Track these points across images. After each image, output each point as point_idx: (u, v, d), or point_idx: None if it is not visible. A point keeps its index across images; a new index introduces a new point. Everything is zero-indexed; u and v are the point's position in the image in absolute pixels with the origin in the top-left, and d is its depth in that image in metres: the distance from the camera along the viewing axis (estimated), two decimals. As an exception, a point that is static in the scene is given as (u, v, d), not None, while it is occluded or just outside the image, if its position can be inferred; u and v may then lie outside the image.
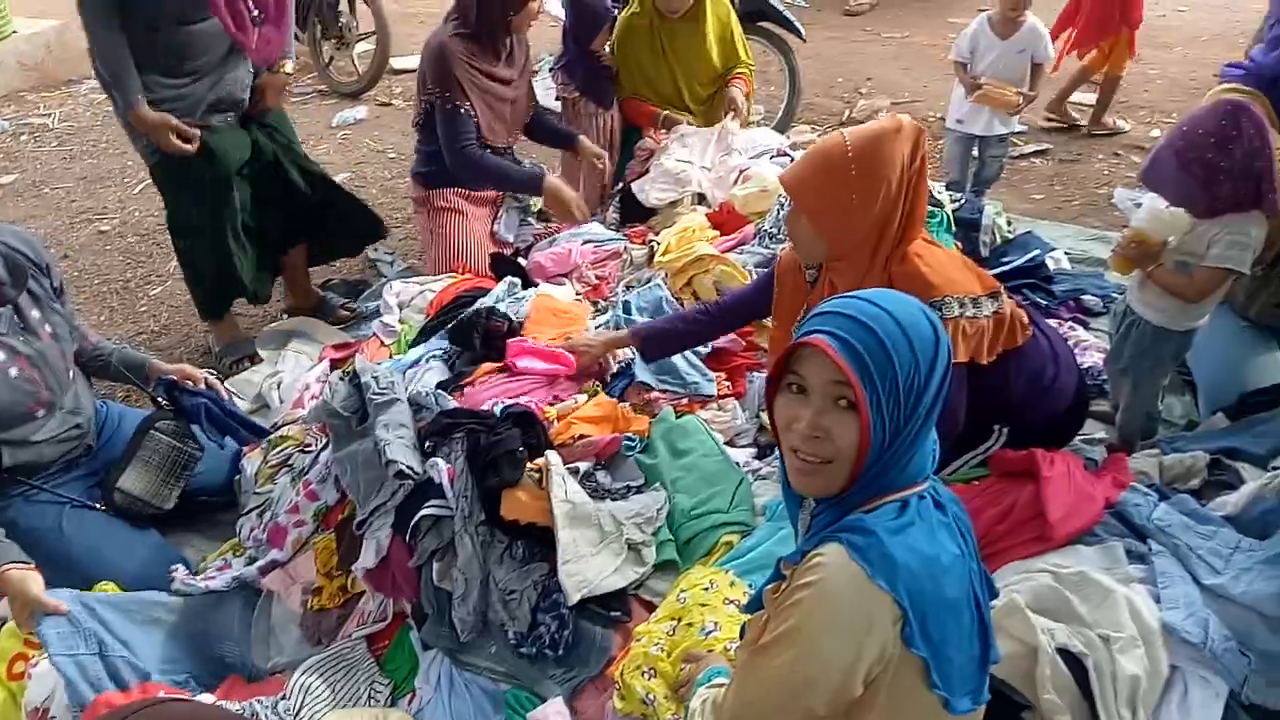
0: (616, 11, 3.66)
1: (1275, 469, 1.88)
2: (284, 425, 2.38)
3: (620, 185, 3.57)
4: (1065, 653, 1.55)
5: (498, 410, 2.11)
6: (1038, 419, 2.04)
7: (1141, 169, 2.13)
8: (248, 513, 2.14)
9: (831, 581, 1.08)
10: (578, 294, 2.93)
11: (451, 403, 2.16)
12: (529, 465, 1.94)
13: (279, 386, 2.71)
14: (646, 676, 1.62)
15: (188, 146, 2.66)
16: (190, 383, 2.29)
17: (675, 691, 1.58)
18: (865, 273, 1.82)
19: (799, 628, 1.09)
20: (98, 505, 2.15)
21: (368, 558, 1.93)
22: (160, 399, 2.30)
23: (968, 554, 1.17)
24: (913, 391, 1.11)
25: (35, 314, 2.07)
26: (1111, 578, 1.68)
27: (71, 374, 2.16)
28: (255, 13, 2.76)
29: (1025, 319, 1.94)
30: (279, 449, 2.28)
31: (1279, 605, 1.57)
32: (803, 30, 4.43)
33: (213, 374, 2.37)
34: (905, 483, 1.15)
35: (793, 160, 3.37)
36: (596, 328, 2.63)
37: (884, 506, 1.13)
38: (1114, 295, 2.92)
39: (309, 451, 2.20)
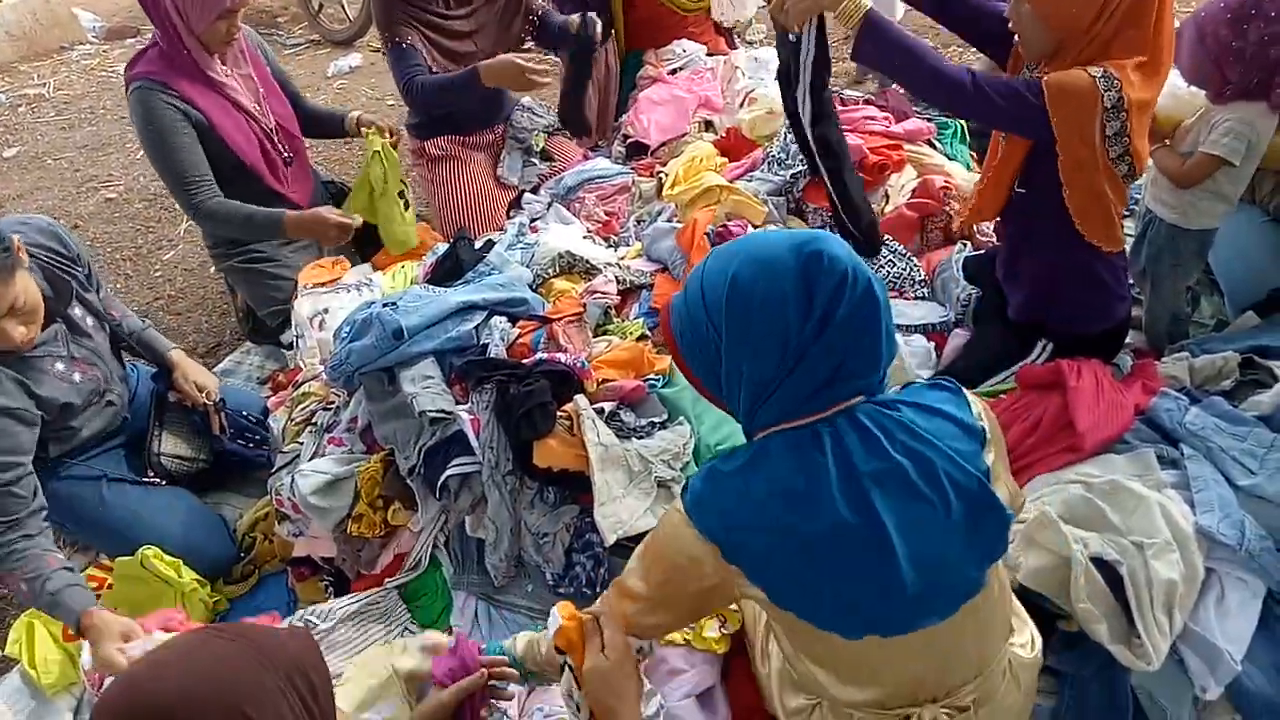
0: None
1: (1309, 366, 1.85)
2: (305, 382, 2.39)
3: (624, 117, 3.49)
4: (1099, 561, 1.55)
5: (538, 357, 2.09)
6: (1095, 329, 2.02)
7: None
8: (277, 470, 2.16)
9: (665, 520, 1.21)
10: (587, 232, 2.89)
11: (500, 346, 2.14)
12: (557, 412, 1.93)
13: (321, 325, 2.55)
14: None
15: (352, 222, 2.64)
16: (189, 403, 2.32)
17: None
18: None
19: (645, 549, 1.25)
20: (145, 478, 2.21)
21: (426, 511, 1.97)
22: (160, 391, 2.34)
23: (886, 471, 1.10)
24: (708, 345, 1.14)
25: (78, 311, 2.09)
26: (1144, 484, 1.67)
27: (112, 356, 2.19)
28: (287, 155, 2.78)
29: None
30: (302, 405, 2.29)
31: (1315, 503, 1.55)
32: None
33: (219, 398, 2.38)
34: (800, 414, 1.12)
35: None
36: (610, 264, 2.59)
37: (754, 444, 1.16)
38: (1135, 198, 2.86)
39: (331, 407, 2.21)
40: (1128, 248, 2.41)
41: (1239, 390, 1.92)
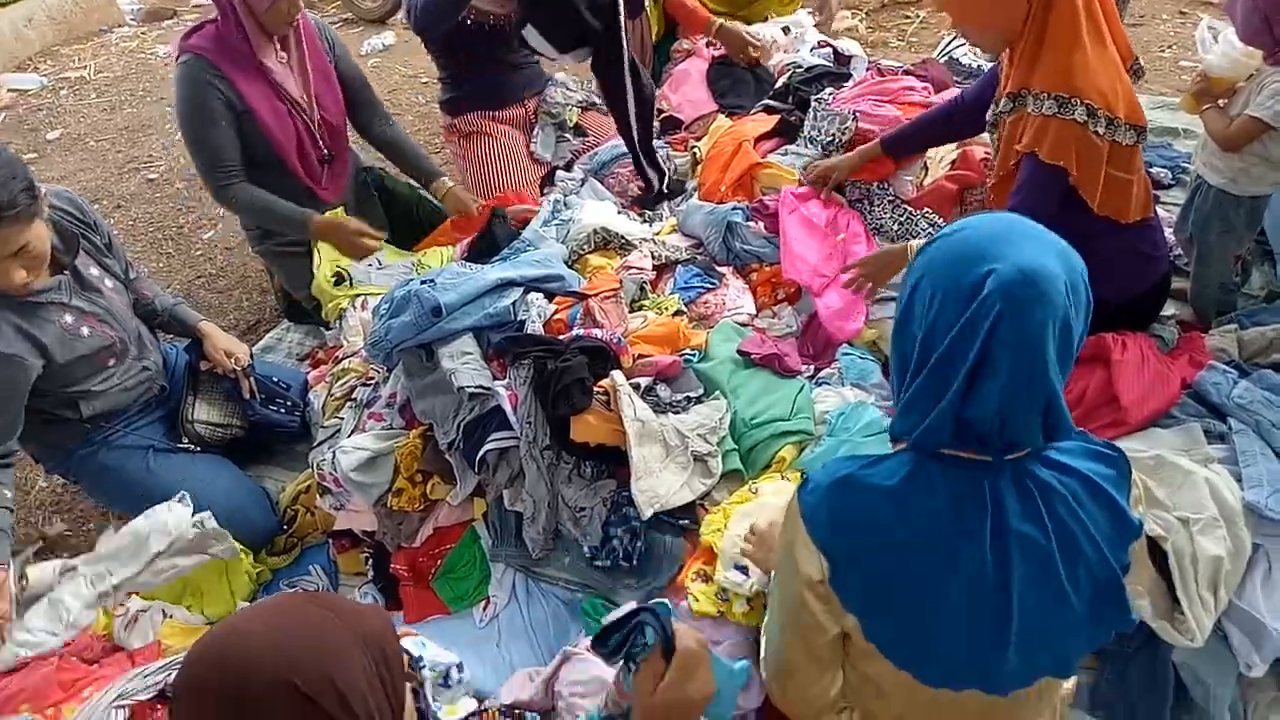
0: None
1: (1364, 338, 1.80)
2: (345, 358, 2.42)
3: (658, 92, 3.46)
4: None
5: (575, 333, 2.10)
6: (1131, 292, 2.00)
7: None
8: (318, 445, 2.20)
9: (785, 514, 1.14)
10: (621, 208, 2.88)
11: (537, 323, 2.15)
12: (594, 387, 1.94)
13: (364, 305, 2.56)
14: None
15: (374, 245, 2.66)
16: (219, 369, 2.35)
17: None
18: (1026, 55, 1.81)
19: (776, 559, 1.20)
20: (182, 444, 2.25)
21: (465, 486, 1.99)
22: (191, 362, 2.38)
23: (1033, 541, 1.03)
24: (911, 336, 1.05)
25: (94, 271, 2.12)
26: (1190, 459, 1.65)
27: (135, 322, 2.22)
28: (326, 152, 2.76)
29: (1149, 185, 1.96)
30: (342, 381, 2.32)
31: (1368, 477, 1.52)
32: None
33: (247, 363, 2.39)
34: (966, 444, 1.04)
35: (835, 50, 3.25)
36: (646, 240, 2.58)
37: (909, 458, 1.07)
38: (1184, 165, 2.79)
39: (370, 383, 2.24)
40: (1168, 213, 2.37)
41: (1291, 363, 1.88)
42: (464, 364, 2.00)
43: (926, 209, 2.51)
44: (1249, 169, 2.00)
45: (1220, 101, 2.05)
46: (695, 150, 3.02)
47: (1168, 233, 2.41)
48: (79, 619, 1.85)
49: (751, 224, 2.54)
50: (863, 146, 2.49)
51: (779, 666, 1.24)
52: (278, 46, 2.58)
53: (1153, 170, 2.78)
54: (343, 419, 2.21)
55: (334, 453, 2.05)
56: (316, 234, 2.63)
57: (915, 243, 2.07)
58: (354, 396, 2.26)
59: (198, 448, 2.27)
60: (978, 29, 1.86)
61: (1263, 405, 1.71)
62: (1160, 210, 2.58)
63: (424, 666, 1.45)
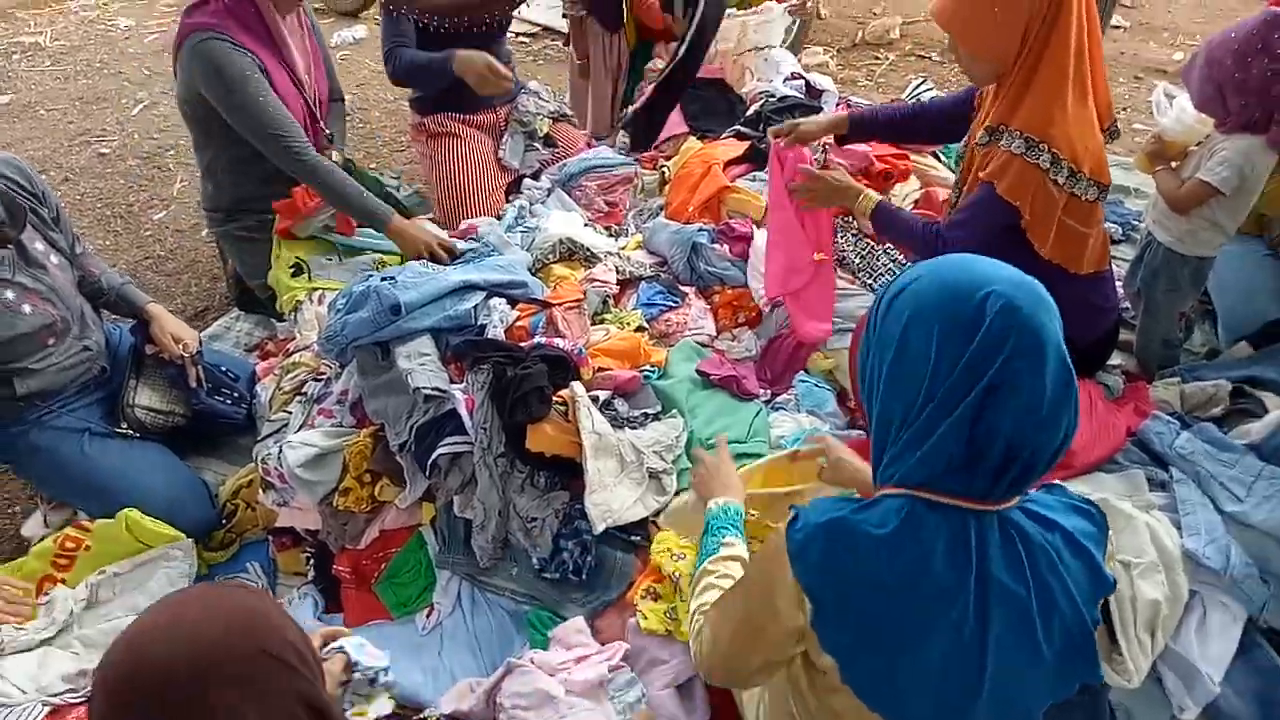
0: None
1: (1299, 398, 1.88)
2: (297, 351, 2.36)
3: (630, 110, 3.48)
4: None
5: (536, 340, 2.08)
6: (1081, 341, 2.03)
7: (1183, 65, 2.09)
8: (263, 438, 2.14)
9: (769, 546, 1.12)
10: (588, 221, 2.88)
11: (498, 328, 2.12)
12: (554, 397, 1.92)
13: (320, 299, 2.50)
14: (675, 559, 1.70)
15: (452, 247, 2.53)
16: (165, 354, 2.27)
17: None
18: (1012, 93, 1.85)
19: (747, 577, 1.19)
20: (120, 429, 2.16)
21: (415, 489, 1.95)
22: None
23: (1013, 593, 1.03)
24: (874, 376, 1.07)
25: (39, 246, 2.04)
26: (1133, 504, 1.69)
27: (79, 299, 2.14)
28: (328, 133, 2.73)
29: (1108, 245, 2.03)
30: (292, 374, 2.27)
31: (1300, 532, 1.58)
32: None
33: (196, 350, 2.31)
34: (954, 489, 1.02)
35: (807, 83, 3.30)
36: (611, 254, 2.57)
37: (902, 505, 1.04)
38: (1134, 222, 2.89)
39: (322, 379, 2.19)
40: (1118, 267, 2.45)
41: (1229, 418, 1.95)
42: (421, 365, 1.97)
43: (888, 246, 2.55)
44: (1196, 231, 2.07)
45: (1173, 163, 2.13)
46: (664, 169, 3.04)
47: (1118, 285, 2.49)
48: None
49: (717, 246, 2.56)
50: (834, 114, 2.50)
51: (713, 655, 1.23)
52: (289, 22, 2.52)
53: (1105, 225, 2.88)
54: (291, 413, 2.15)
55: (281, 447, 1.99)
56: (398, 235, 2.49)
57: (870, 195, 2.10)
58: (304, 391, 2.21)
59: (137, 434, 2.18)
60: (972, 54, 1.88)
61: (1203, 457, 1.77)
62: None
63: (360, 670, 1.42)
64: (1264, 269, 2.35)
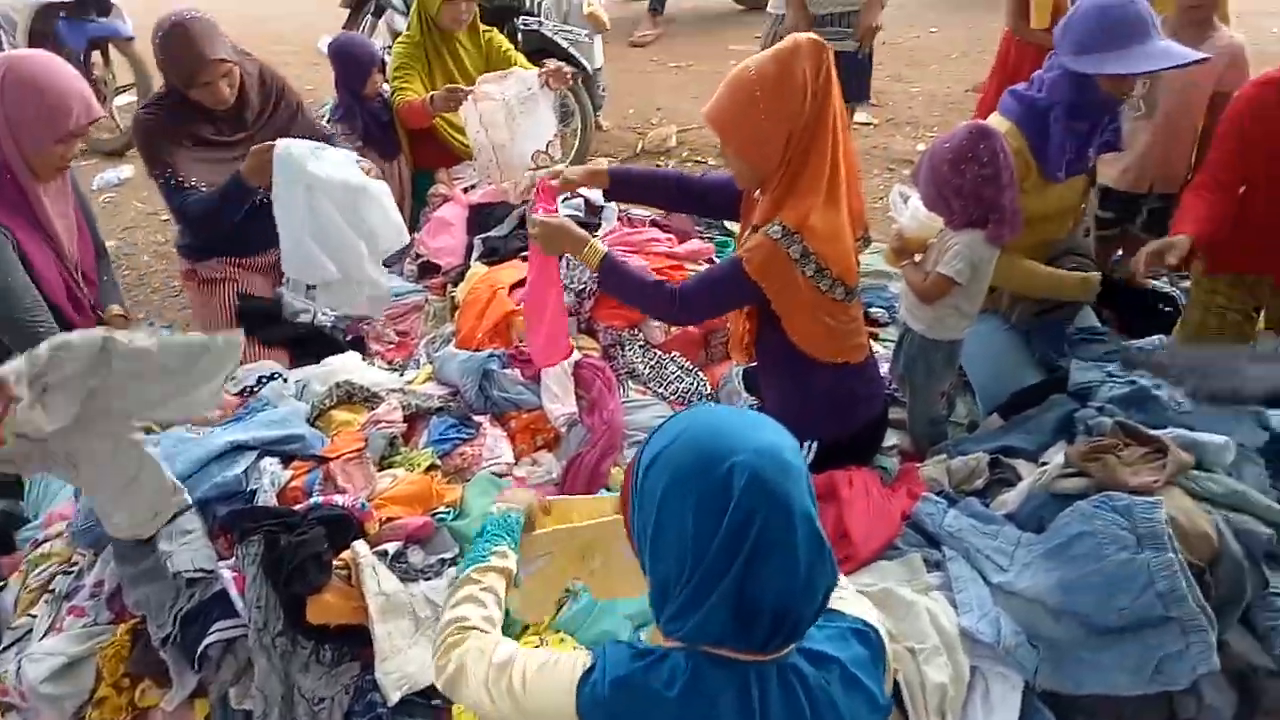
0: (383, 55, 3.59)
1: (1043, 464, 2.04)
2: (46, 541, 2.11)
3: (416, 236, 3.46)
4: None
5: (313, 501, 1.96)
6: (847, 431, 2.13)
7: (914, 169, 2.30)
8: (2, 651, 1.88)
9: (560, 674, 1.12)
10: (372, 354, 2.80)
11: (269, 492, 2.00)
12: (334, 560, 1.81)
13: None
14: None
15: None
16: None
17: None
18: (776, 197, 1.94)
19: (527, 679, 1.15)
20: None
21: (182, 688, 1.77)
22: None
23: None
24: (643, 536, 1.09)
25: None
26: (912, 589, 1.77)
27: None
28: (91, 300, 2.54)
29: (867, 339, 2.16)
30: (39, 569, 2.02)
31: (1058, 595, 1.68)
32: (588, 65, 4.48)
33: None
34: (735, 643, 1.04)
35: (586, 200, 3.39)
36: (395, 390, 2.50)
37: (691, 660, 1.07)
38: (896, 305, 3.12)
39: (73, 570, 1.97)
40: (881, 349, 2.64)
41: (990, 489, 2.09)
42: (183, 545, 1.81)
43: (675, 352, 2.63)
44: (943, 318, 2.25)
45: (916, 257, 2.32)
46: (453, 296, 3.01)
47: (884, 368, 2.67)
48: None
49: (509, 370, 2.54)
50: (592, 166, 2.45)
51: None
52: (46, 193, 2.33)
53: (871, 310, 3.10)
54: (35, 617, 1.91)
55: (20, 661, 1.76)
56: None
57: (596, 248, 2.08)
58: (52, 588, 1.97)
59: None
60: (738, 154, 1.97)
61: (969, 532, 1.87)
62: (879, 347, 2.86)
63: None
64: (1006, 341, 2.57)
